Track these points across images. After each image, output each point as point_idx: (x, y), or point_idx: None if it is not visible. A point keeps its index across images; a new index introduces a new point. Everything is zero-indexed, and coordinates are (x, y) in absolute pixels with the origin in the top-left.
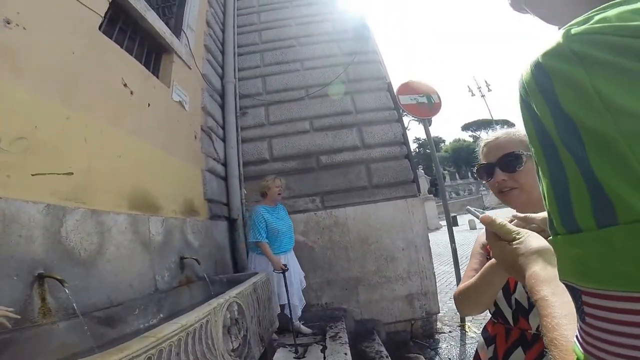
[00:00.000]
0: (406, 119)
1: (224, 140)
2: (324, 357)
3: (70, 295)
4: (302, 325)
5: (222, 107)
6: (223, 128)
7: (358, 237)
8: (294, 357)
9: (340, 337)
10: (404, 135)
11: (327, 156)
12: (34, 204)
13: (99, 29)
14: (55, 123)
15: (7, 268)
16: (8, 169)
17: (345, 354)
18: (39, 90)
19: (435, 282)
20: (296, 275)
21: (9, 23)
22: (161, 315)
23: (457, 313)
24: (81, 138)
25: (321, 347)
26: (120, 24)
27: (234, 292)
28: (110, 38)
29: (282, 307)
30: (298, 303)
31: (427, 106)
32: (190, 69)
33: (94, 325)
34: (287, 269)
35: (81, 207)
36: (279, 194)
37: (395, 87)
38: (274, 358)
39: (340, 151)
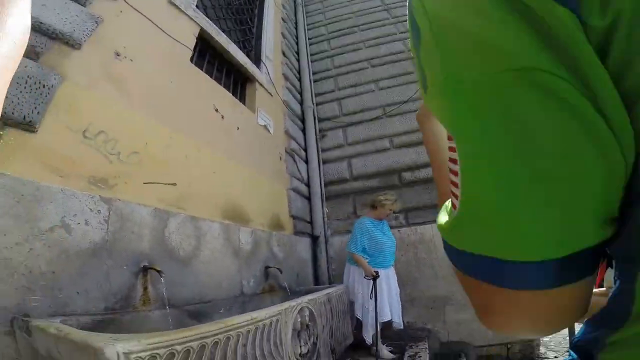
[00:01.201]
0: None
1: (306, 161)
2: None
3: (166, 287)
4: (384, 348)
5: (303, 130)
6: (305, 150)
7: (439, 254)
8: None
9: (420, 356)
10: None
11: (410, 173)
12: (144, 207)
13: (191, 61)
14: (161, 141)
15: (121, 258)
16: (125, 177)
17: None
18: (147, 113)
19: None
20: (394, 292)
21: (118, 55)
22: None
23: (567, 338)
24: (182, 155)
25: None
26: (208, 57)
27: (306, 297)
28: (201, 69)
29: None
30: (397, 320)
31: None
32: (271, 95)
33: (184, 317)
34: (378, 275)
35: (182, 212)
36: (388, 215)
37: None
38: None
39: (425, 167)
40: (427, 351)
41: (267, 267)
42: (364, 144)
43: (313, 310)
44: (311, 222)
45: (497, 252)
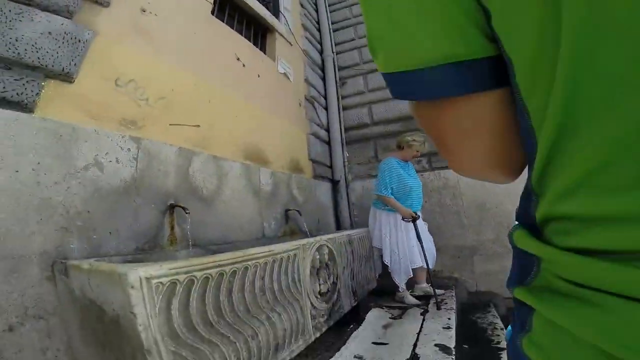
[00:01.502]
0: None
1: (326, 108)
2: (423, 320)
3: (190, 227)
4: (407, 294)
5: (323, 79)
6: (325, 98)
7: (473, 201)
8: (390, 318)
9: (446, 303)
10: None
11: None
12: (170, 146)
13: (212, 14)
14: (186, 87)
15: (148, 195)
16: (153, 119)
17: (449, 318)
18: (173, 62)
19: None
20: (427, 238)
21: (144, 11)
22: None
23: None
24: (206, 99)
25: (422, 311)
26: (228, 10)
27: (326, 236)
28: (222, 22)
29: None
30: (432, 267)
31: None
32: (291, 45)
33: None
34: (418, 216)
35: (205, 151)
36: (414, 157)
37: None
38: (367, 316)
39: None
40: (454, 298)
41: (287, 210)
42: (385, 90)
43: (333, 249)
44: (331, 167)
45: (402, 64)
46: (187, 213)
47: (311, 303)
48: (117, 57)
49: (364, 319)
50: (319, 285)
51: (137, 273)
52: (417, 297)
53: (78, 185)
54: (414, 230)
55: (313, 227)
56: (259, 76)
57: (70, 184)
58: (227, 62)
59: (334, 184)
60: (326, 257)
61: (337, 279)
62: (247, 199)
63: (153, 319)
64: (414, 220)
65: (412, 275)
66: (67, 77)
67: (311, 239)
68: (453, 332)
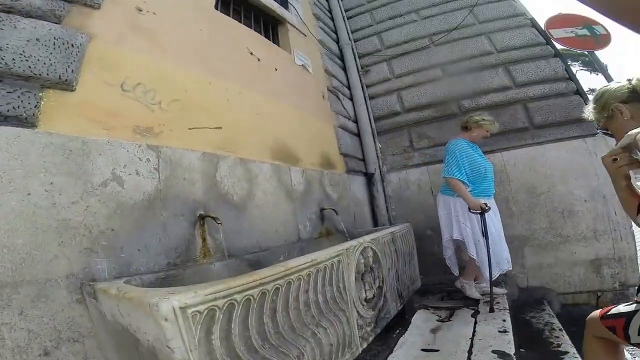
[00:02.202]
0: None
1: (351, 99)
2: (475, 323)
3: (224, 237)
4: (473, 285)
5: (344, 68)
6: (349, 88)
7: (522, 186)
8: (437, 320)
9: (497, 302)
10: (568, 70)
11: (470, 100)
12: (192, 151)
13: (216, 8)
14: (200, 87)
15: (175, 207)
16: (170, 124)
17: (504, 320)
18: (182, 62)
19: (635, 245)
20: (498, 228)
21: (140, 10)
22: None
23: None
24: (223, 99)
25: (472, 312)
26: (233, 4)
27: (368, 237)
28: (227, 16)
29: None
30: (507, 265)
31: (591, 38)
32: (305, 36)
33: (244, 266)
34: (488, 208)
35: (231, 155)
36: (484, 137)
37: (542, 23)
38: (412, 319)
39: (486, 93)
40: (505, 297)
41: (322, 209)
42: (414, 74)
43: (377, 251)
44: (364, 160)
45: None
46: (218, 223)
47: (357, 312)
48: (119, 60)
49: (410, 322)
50: (365, 291)
51: (170, 303)
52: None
53: (98, 203)
54: (495, 219)
55: (349, 224)
56: (276, 70)
57: (89, 202)
58: (241, 58)
59: (369, 177)
60: (370, 260)
61: (382, 283)
62: (280, 201)
63: (193, 352)
64: (482, 212)
65: (504, 270)
66: (66, 85)
67: (354, 242)
68: (511, 336)
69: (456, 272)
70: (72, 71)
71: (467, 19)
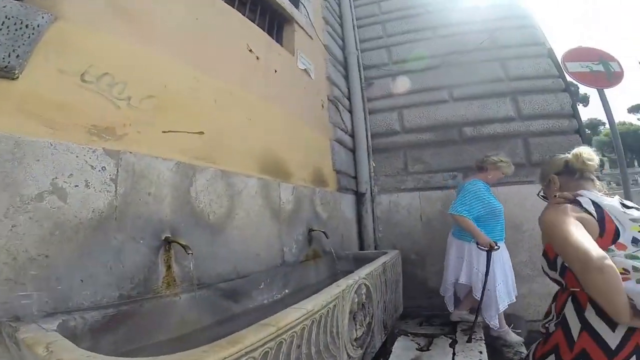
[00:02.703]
0: None
1: (350, 111)
2: (454, 354)
3: (194, 263)
4: (510, 331)
5: (346, 78)
6: (349, 99)
7: (510, 221)
8: (417, 349)
9: (474, 331)
10: (574, 108)
11: (472, 128)
12: (163, 160)
13: None
14: (184, 83)
15: (134, 229)
16: (139, 125)
17: (481, 352)
18: (167, 52)
19: None
20: (508, 269)
21: None
22: (286, 291)
23: None
24: (211, 99)
25: (450, 341)
26: None
27: (363, 272)
28: (232, 7)
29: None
30: (507, 300)
31: (605, 75)
32: (311, 38)
33: (217, 298)
34: (498, 247)
35: (212, 166)
36: (499, 179)
37: (559, 54)
38: (393, 348)
39: (490, 122)
40: (480, 325)
41: (310, 230)
42: (418, 94)
43: (370, 286)
44: (356, 178)
45: None
46: (189, 253)
47: (347, 354)
48: (85, 45)
49: (391, 351)
50: (355, 330)
51: None
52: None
53: (29, 221)
54: (505, 259)
55: (337, 245)
56: (275, 71)
57: (16, 220)
58: (238, 55)
59: (359, 196)
60: (364, 297)
61: (372, 318)
62: (265, 221)
63: None
64: (490, 250)
65: (501, 310)
66: (5, 72)
67: (350, 281)
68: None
69: (451, 310)
70: (18, 56)
71: (484, 42)
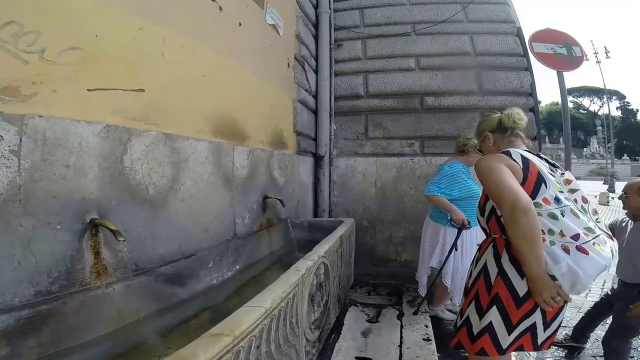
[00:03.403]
0: None
1: (316, 72)
2: (401, 326)
3: (128, 251)
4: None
5: (316, 38)
6: (316, 59)
7: None
8: (367, 321)
9: (419, 303)
10: (532, 87)
11: (433, 98)
12: (88, 123)
13: None
14: (123, 32)
15: (48, 213)
16: (54, 82)
17: (426, 326)
18: None
19: None
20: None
21: None
22: (237, 267)
23: None
24: (157, 52)
25: (397, 313)
26: None
27: (322, 249)
28: None
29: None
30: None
31: (566, 59)
32: None
33: (160, 284)
34: (470, 226)
35: (153, 129)
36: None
37: (527, 34)
38: (345, 319)
39: (451, 94)
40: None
41: (265, 197)
42: (386, 59)
43: (328, 265)
44: (316, 140)
45: None
46: (119, 240)
47: (306, 338)
48: None
49: (343, 323)
50: (313, 313)
51: None
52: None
53: None
54: (469, 243)
55: (292, 211)
56: (240, 25)
57: None
58: (196, 3)
59: (317, 159)
60: (322, 277)
61: (328, 296)
62: (216, 190)
63: None
64: (462, 228)
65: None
66: None
67: (310, 262)
68: (434, 346)
69: (423, 294)
70: None
71: (457, 15)
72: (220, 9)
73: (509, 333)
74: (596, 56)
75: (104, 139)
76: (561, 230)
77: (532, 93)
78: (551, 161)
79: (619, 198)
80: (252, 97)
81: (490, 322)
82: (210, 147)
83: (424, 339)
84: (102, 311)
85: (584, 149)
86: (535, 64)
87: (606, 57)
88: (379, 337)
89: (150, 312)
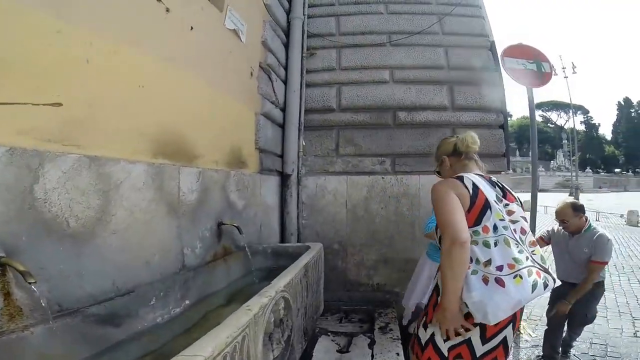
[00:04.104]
0: None
1: (285, 82)
2: (372, 356)
3: (45, 291)
4: None
5: (287, 46)
6: (285, 69)
7: (429, 213)
8: (337, 351)
9: (391, 329)
10: (503, 103)
11: (406, 113)
12: None
13: None
14: (35, 37)
15: None
16: None
17: (398, 354)
18: None
19: None
20: None
21: None
22: (187, 302)
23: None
24: (81, 59)
25: (369, 341)
26: None
27: (281, 282)
28: None
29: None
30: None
31: (536, 74)
32: None
33: (91, 325)
34: None
35: (73, 152)
36: None
37: (500, 48)
38: (314, 351)
39: (424, 109)
40: (397, 321)
41: (220, 224)
42: (360, 71)
43: (289, 298)
44: (282, 157)
45: None
46: (30, 283)
47: None
48: None
49: (312, 355)
50: (272, 351)
51: None
52: None
53: None
54: None
55: (254, 237)
56: (192, 29)
57: None
58: (136, 3)
59: (284, 178)
60: (282, 312)
61: (291, 331)
62: (158, 219)
63: None
64: None
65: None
66: None
67: (265, 300)
68: None
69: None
70: None
71: (434, 26)
72: (168, 10)
73: (444, 341)
74: (564, 71)
75: (6, 165)
76: (489, 260)
77: (502, 109)
78: (503, 185)
79: (560, 225)
80: (204, 110)
81: (433, 333)
82: (150, 170)
83: None
84: (21, 358)
85: (551, 161)
86: (507, 78)
87: (573, 72)
88: None
89: (81, 357)
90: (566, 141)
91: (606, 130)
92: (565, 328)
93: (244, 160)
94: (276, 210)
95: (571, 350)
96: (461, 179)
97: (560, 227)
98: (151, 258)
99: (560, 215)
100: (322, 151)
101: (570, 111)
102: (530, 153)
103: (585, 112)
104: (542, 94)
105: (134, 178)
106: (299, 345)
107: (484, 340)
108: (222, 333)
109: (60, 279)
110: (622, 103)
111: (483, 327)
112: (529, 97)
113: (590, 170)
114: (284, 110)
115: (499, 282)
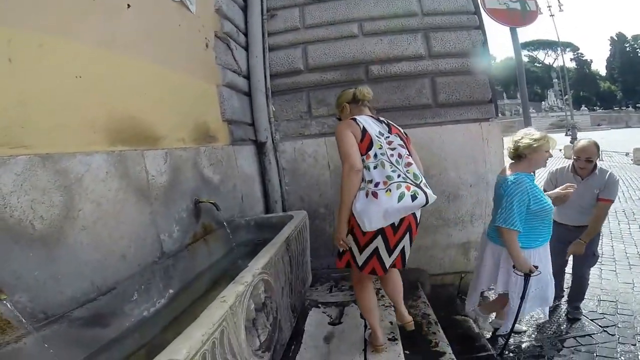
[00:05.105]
0: None
1: (246, 49)
2: (365, 326)
3: (30, 300)
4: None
5: (244, 9)
6: (245, 34)
7: None
8: (329, 323)
9: (383, 295)
10: (485, 45)
11: (379, 66)
12: None
13: None
14: None
15: None
16: None
17: (391, 323)
18: None
19: None
20: (546, 274)
21: None
22: (171, 291)
23: None
24: (1, 59)
25: (360, 311)
26: None
27: (259, 264)
28: None
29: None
30: (539, 305)
31: (520, 13)
32: None
33: (78, 328)
34: (539, 272)
35: (22, 153)
36: (546, 159)
37: None
38: (305, 325)
39: (398, 60)
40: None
41: (198, 202)
42: (326, 27)
43: (270, 280)
44: (253, 125)
45: None
46: (1, 300)
47: None
48: None
49: (303, 330)
50: (258, 337)
51: None
52: None
53: None
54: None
55: (236, 210)
56: (128, 6)
57: None
58: None
59: (259, 146)
60: (263, 296)
61: (277, 312)
62: (128, 208)
63: None
64: (528, 275)
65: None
66: None
67: (241, 287)
68: (400, 347)
69: (469, 310)
70: None
71: None
72: None
73: (360, 253)
74: (549, 9)
75: None
76: (371, 179)
77: (484, 53)
78: (389, 122)
79: (579, 165)
80: (157, 91)
81: (350, 249)
82: (110, 159)
83: (389, 339)
84: None
85: (542, 102)
86: (488, 19)
87: (560, 11)
88: (343, 343)
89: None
90: (557, 80)
91: (600, 67)
92: (570, 281)
93: (213, 134)
94: (257, 179)
95: (581, 304)
96: (355, 120)
97: (568, 170)
98: (127, 251)
99: (586, 152)
100: (294, 115)
101: (559, 48)
102: (519, 94)
103: (575, 49)
104: (528, 33)
105: (95, 169)
106: (287, 324)
107: (389, 251)
108: (197, 332)
109: (38, 287)
110: (616, 38)
111: (386, 239)
112: (513, 39)
113: (586, 109)
114: (248, 77)
115: (375, 195)
